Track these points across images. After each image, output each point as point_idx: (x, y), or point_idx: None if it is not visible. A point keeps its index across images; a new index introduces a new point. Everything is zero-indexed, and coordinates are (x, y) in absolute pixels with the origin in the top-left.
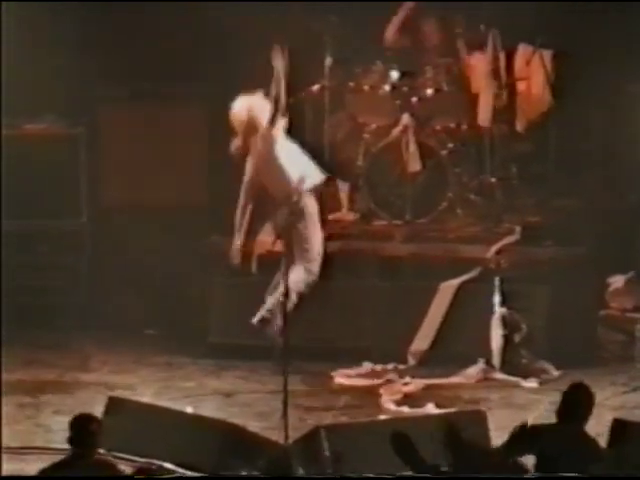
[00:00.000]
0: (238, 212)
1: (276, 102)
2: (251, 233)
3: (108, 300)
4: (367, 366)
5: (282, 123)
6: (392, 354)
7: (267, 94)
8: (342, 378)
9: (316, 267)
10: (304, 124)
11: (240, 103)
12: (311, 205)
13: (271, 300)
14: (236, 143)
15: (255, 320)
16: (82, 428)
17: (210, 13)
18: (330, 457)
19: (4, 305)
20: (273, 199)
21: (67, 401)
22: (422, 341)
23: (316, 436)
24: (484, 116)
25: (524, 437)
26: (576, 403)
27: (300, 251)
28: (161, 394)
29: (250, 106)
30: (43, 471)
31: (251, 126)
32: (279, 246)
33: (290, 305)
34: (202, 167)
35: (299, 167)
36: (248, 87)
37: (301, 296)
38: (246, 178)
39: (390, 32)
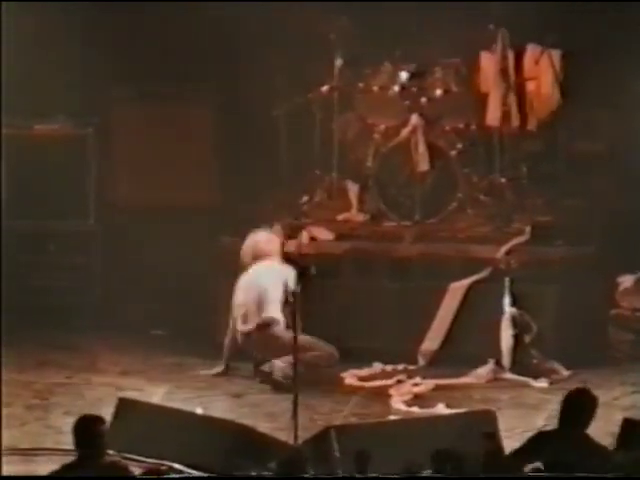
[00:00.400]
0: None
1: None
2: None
3: (117, 301)
4: (377, 367)
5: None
6: (402, 354)
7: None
8: (352, 379)
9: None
10: (313, 124)
11: (255, 239)
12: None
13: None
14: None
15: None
16: (87, 430)
17: (218, 13)
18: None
19: (13, 306)
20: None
21: (77, 402)
22: (432, 341)
23: (326, 437)
24: (493, 116)
25: (531, 446)
26: (578, 408)
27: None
28: (171, 395)
29: (263, 242)
30: (53, 473)
31: (258, 257)
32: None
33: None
34: (211, 167)
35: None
36: (258, 87)
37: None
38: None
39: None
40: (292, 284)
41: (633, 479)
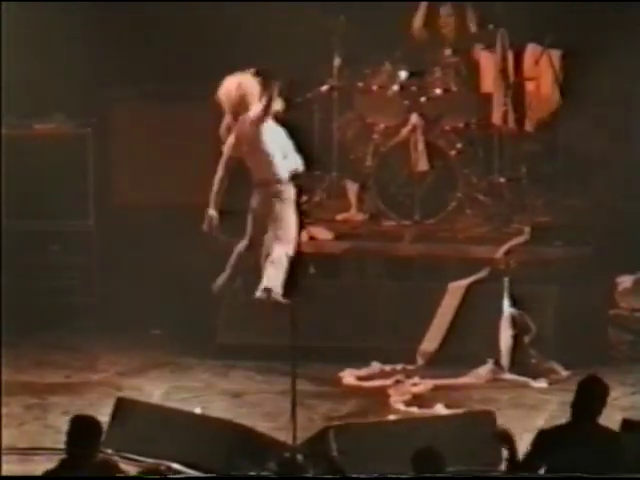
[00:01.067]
0: (215, 184)
1: (266, 78)
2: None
3: (116, 301)
4: (376, 366)
5: (273, 105)
6: (401, 354)
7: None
8: (351, 378)
9: (291, 250)
10: (313, 124)
11: (230, 81)
12: (289, 191)
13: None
14: (226, 121)
15: (258, 293)
16: (80, 431)
17: (218, 13)
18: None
19: (11, 305)
20: (252, 179)
21: (76, 402)
22: (431, 341)
23: (325, 436)
24: (497, 114)
25: (543, 443)
26: (590, 397)
27: (275, 234)
28: (169, 395)
29: (240, 84)
30: (46, 473)
31: (240, 104)
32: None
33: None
34: (210, 167)
35: (282, 152)
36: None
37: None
38: (225, 154)
39: (417, 24)
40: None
41: (634, 479)
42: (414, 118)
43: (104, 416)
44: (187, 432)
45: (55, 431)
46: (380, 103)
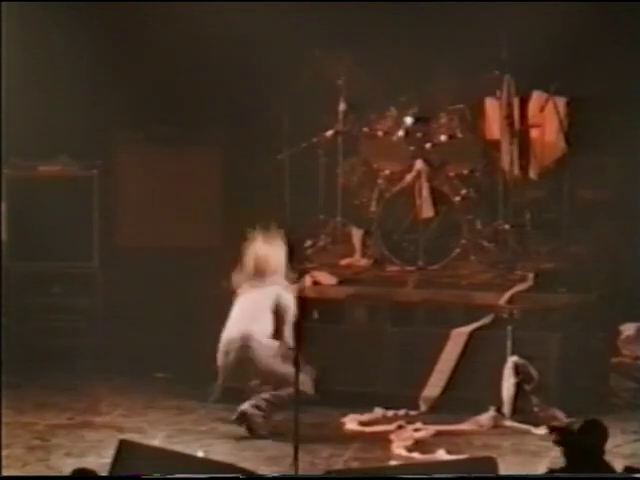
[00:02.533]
0: None
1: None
2: None
3: (119, 343)
4: (378, 412)
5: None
6: (404, 400)
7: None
8: (353, 424)
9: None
10: (318, 169)
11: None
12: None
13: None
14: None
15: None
16: None
17: (223, 57)
18: None
19: (15, 347)
20: None
21: (78, 444)
22: (434, 387)
23: None
24: (505, 160)
25: None
26: (589, 441)
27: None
28: (172, 437)
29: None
30: None
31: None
32: None
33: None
34: (215, 210)
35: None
36: (262, 131)
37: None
38: None
39: None
40: (290, 313)
41: (632, 479)
42: (419, 164)
43: (106, 458)
44: (189, 475)
45: (57, 472)
46: (385, 148)
